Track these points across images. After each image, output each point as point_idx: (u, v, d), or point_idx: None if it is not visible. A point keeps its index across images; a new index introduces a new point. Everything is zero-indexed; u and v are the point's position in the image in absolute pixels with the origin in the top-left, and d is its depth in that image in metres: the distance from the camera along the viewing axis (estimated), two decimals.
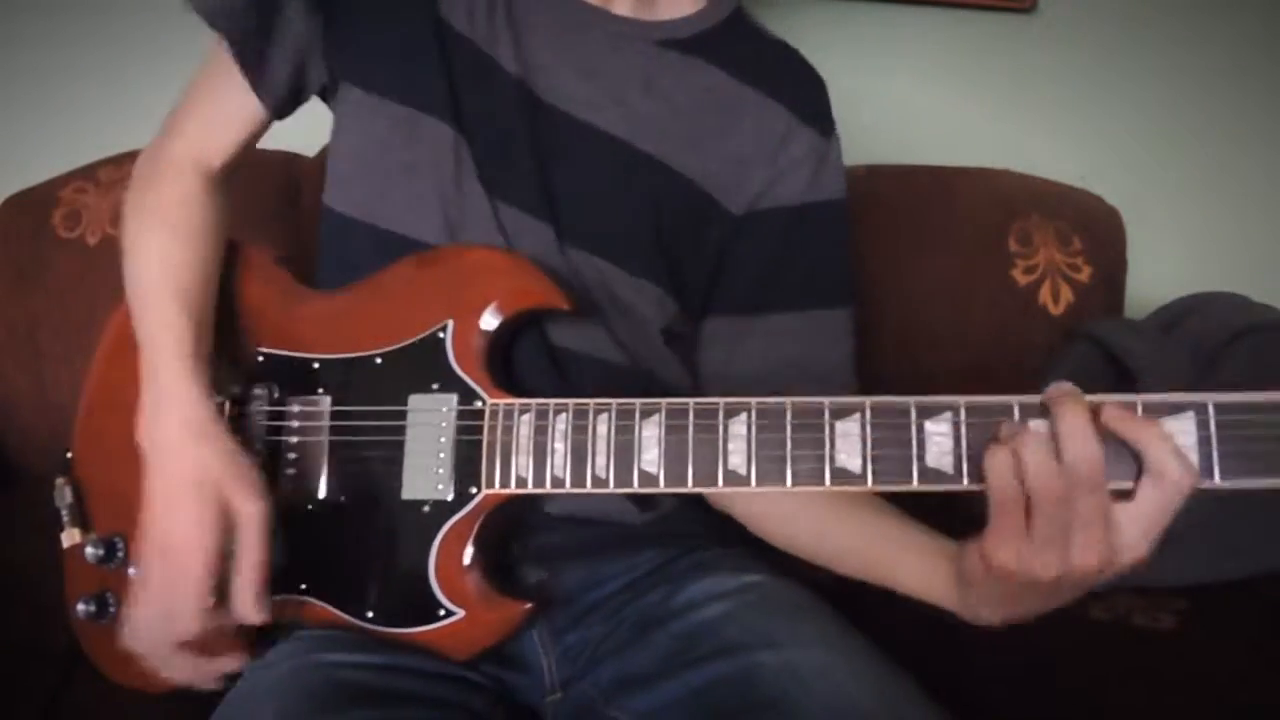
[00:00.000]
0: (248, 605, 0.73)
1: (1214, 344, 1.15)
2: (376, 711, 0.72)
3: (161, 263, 0.82)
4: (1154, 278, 1.43)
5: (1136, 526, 0.60)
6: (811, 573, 0.85)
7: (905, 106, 1.46)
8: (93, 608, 0.84)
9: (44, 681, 0.90)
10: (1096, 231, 1.34)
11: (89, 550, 0.84)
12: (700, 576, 0.85)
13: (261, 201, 1.26)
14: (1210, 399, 0.60)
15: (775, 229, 0.88)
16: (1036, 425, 0.61)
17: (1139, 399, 0.61)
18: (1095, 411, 0.60)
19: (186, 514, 0.72)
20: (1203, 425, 0.60)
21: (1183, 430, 0.60)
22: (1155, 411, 0.61)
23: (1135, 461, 0.60)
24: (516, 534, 0.84)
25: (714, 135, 0.87)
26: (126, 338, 0.83)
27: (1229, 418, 0.60)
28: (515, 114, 0.84)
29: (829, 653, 0.75)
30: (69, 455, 0.90)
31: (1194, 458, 0.60)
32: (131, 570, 0.79)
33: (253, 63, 0.85)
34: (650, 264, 0.86)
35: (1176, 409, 0.61)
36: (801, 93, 0.90)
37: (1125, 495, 0.60)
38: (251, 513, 0.73)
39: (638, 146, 0.85)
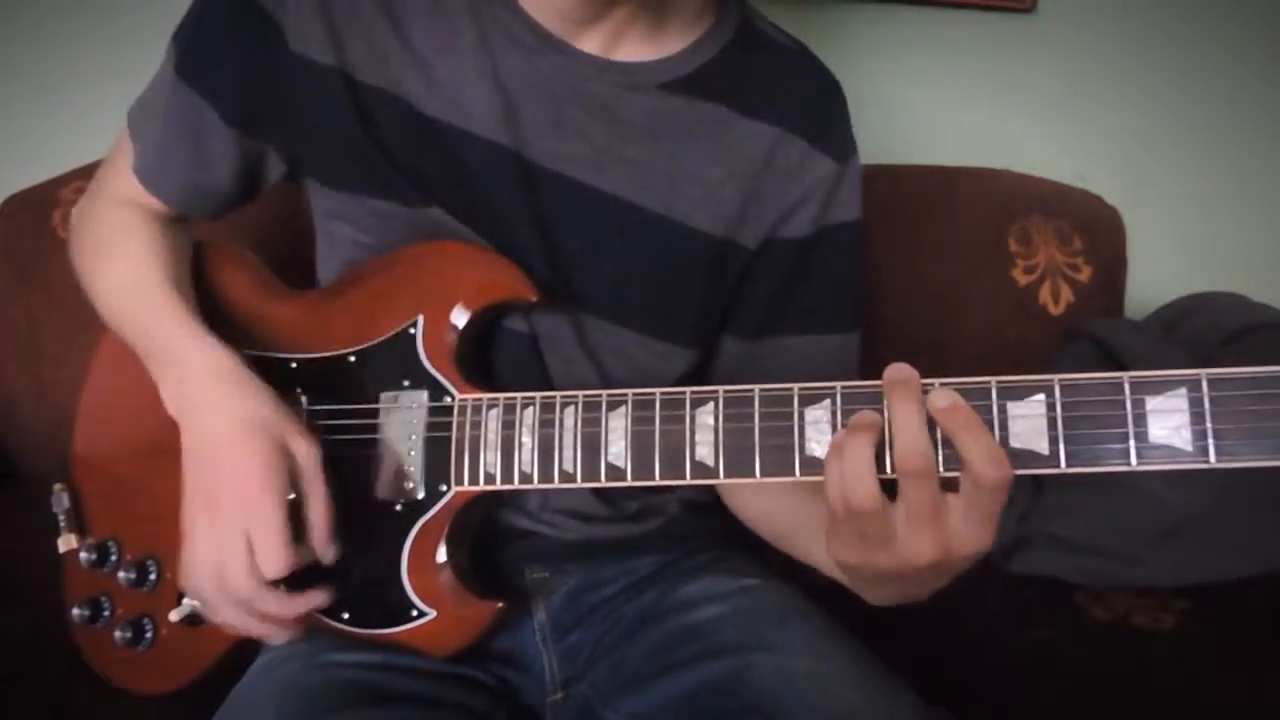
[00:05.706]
0: (324, 542, 0.72)
1: (1212, 344, 1.15)
2: (378, 712, 0.72)
3: (132, 269, 0.82)
4: (1154, 278, 1.43)
5: (968, 525, 0.58)
6: (810, 577, 0.85)
7: (905, 106, 1.46)
8: (87, 612, 0.85)
9: (46, 681, 0.90)
10: (1096, 231, 1.34)
11: (82, 555, 0.85)
12: (698, 578, 0.85)
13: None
14: (1204, 374, 0.56)
15: (789, 256, 0.85)
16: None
17: (1126, 377, 0.57)
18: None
19: (251, 456, 0.70)
20: (1195, 404, 0.56)
21: (1174, 408, 0.56)
22: (1143, 390, 0.57)
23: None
24: (505, 534, 0.83)
25: (727, 180, 0.82)
26: (123, 345, 0.82)
27: (1224, 393, 0.56)
28: (512, 187, 0.79)
29: (821, 658, 0.75)
30: (69, 460, 0.89)
31: (1186, 436, 0.56)
32: (192, 525, 0.72)
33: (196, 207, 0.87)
34: (673, 327, 0.83)
35: (1166, 386, 0.57)
36: (817, 115, 0.85)
37: (954, 486, 0.58)
38: (309, 450, 0.72)
39: (646, 207, 0.81)
